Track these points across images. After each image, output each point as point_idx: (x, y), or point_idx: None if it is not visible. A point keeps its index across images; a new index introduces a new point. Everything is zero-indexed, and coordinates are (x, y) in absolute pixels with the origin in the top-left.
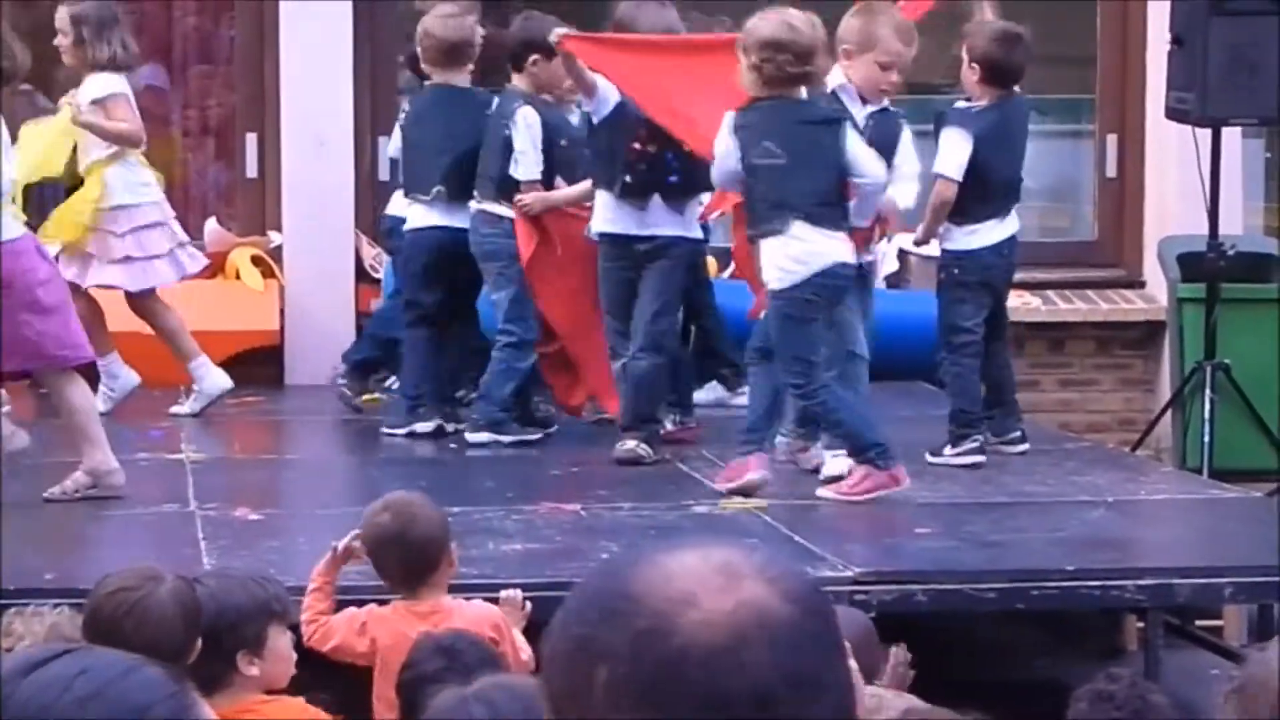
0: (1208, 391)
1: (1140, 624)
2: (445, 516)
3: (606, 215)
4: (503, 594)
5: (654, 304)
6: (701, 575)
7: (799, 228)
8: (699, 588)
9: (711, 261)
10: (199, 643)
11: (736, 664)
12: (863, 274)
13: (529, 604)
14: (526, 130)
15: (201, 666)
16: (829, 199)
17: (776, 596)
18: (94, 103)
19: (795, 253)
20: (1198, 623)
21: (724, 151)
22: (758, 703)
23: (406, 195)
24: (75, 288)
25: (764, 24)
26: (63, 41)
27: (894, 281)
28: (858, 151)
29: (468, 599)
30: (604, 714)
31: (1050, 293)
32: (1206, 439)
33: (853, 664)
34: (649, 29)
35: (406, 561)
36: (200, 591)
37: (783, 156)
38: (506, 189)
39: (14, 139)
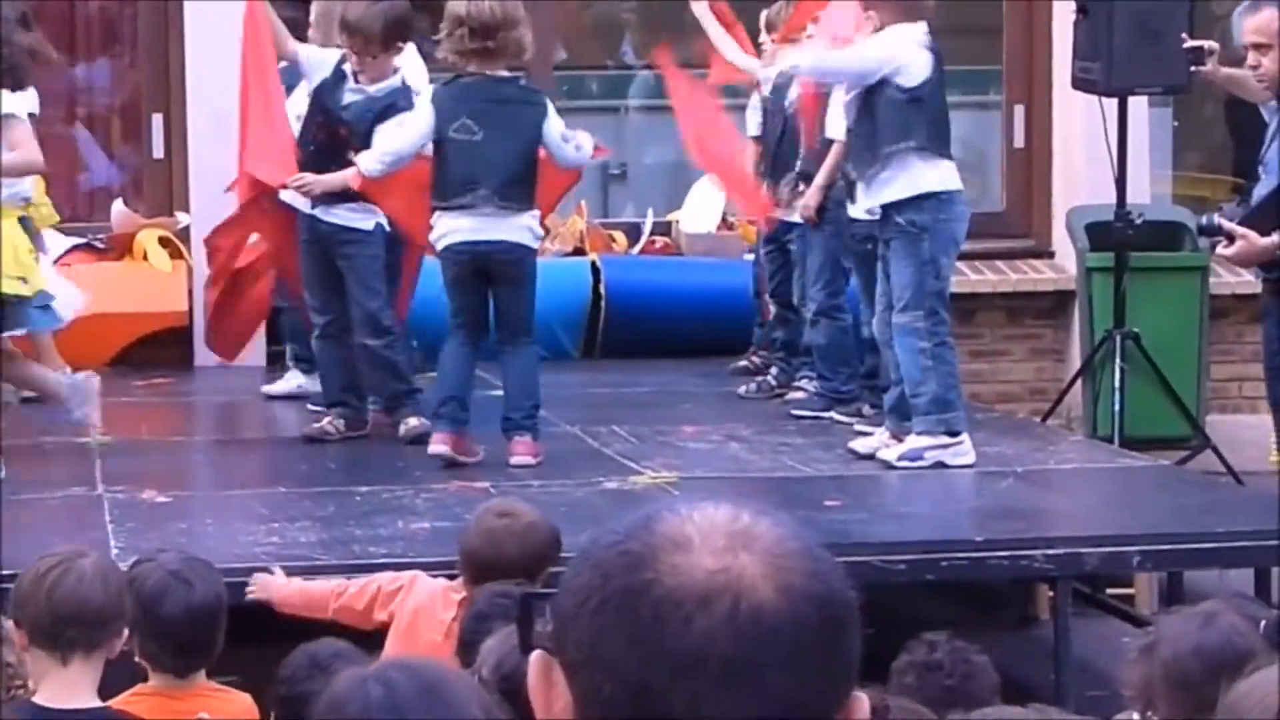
0: (1118, 360)
1: (1051, 593)
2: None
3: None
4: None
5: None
6: (713, 530)
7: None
8: (700, 539)
9: (620, 236)
10: (124, 631)
11: (685, 622)
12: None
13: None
14: None
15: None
16: (518, 176)
17: (767, 580)
18: None
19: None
20: (1111, 591)
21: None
22: (682, 669)
23: None
24: None
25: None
26: None
27: None
28: (555, 129)
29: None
30: (584, 629)
31: (959, 263)
32: (1117, 408)
33: None
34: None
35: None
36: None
37: (478, 133)
38: None
39: None
